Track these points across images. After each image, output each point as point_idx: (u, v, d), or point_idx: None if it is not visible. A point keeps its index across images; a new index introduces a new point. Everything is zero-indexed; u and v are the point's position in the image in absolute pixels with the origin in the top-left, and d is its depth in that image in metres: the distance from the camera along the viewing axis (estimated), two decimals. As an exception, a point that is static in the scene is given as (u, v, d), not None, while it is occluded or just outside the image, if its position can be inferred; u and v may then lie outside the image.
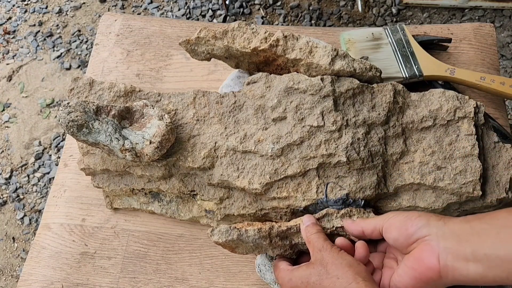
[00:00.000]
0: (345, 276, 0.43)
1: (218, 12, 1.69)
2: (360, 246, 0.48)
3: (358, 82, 0.56)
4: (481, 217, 0.42)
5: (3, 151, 1.51)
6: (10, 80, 1.63)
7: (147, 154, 0.53)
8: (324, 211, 0.52)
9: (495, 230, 0.39)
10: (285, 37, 0.58)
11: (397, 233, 0.45)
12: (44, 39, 1.70)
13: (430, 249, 0.41)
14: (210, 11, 1.70)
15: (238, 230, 0.49)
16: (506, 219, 0.39)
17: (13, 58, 1.67)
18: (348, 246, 0.48)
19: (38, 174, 1.46)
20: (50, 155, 1.49)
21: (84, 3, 1.77)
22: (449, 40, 0.72)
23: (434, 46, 0.73)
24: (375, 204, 0.55)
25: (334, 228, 0.52)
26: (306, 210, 0.54)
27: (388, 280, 0.46)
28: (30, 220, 1.40)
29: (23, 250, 1.36)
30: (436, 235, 0.42)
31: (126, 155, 0.54)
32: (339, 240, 0.49)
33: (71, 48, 1.67)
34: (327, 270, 0.44)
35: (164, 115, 0.55)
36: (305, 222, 0.50)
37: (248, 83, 0.59)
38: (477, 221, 0.41)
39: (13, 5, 1.78)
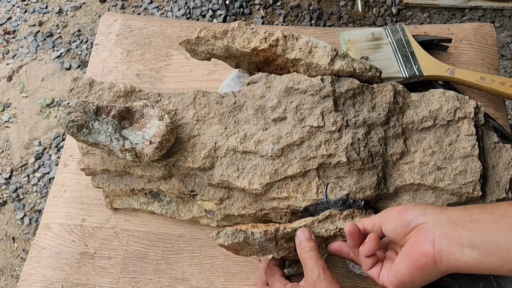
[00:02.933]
0: None
1: (218, 12, 1.69)
2: (372, 238, 0.47)
3: (358, 82, 0.56)
4: (481, 206, 0.41)
5: (3, 151, 1.51)
6: (10, 80, 1.63)
7: (147, 155, 0.53)
8: (327, 212, 0.52)
9: (494, 218, 0.39)
10: (285, 37, 0.58)
11: (394, 223, 0.45)
12: (44, 39, 1.70)
13: (426, 235, 0.41)
14: (210, 11, 1.70)
15: (244, 233, 0.49)
16: (506, 210, 0.39)
17: (13, 58, 1.67)
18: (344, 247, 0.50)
19: (38, 174, 1.46)
20: (50, 155, 1.49)
21: (84, 3, 1.77)
22: (449, 40, 0.72)
23: (434, 46, 0.73)
24: (375, 205, 0.55)
25: (337, 230, 0.52)
26: (306, 211, 0.54)
27: (388, 270, 0.46)
28: (30, 220, 1.40)
29: (23, 250, 1.36)
30: (432, 222, 0.41)
31: (126, 155, 0.54)
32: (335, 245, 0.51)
33: (71, 48, 1.67)
34: None
35: (164, 115, 0.55)
36: (299, 237, 0.50)
37: (248, 83, 0.59)
38: (477, 209, 0.41)
39: (13, 5, 1.78)
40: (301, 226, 0.51)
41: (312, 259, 0.47)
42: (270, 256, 0.59)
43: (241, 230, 0.49)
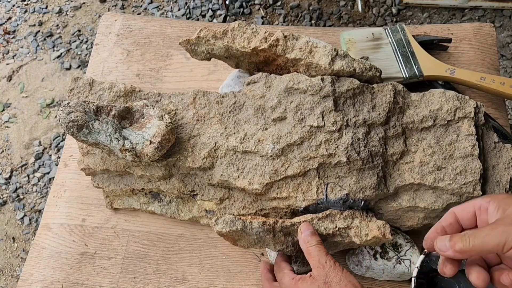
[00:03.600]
0: None
1: (218, 12, 1.69)
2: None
3: (358, 82, 0.56)
4: None
5: (3, 151, 1.51)
6: (10, 80, 1.63)
7: (147, 154, 0.53)
8: (328, 211, 0.52)
9: None
10: (285, 37, 0.58)
11: None
12: (44, 39, 1.70)
13: None
14: (210, 11, 1.70)
15: (242, 221, 0.49)
16: None
17: (13, 58, 1.67)
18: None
19: (38, 174, 1.46)
20: (50, 155, 1.49)
21: (84, 3, 1.77)
22: (449, 40, 0.72)
23: (434, 46, 0.73)
24: (375, 205, 0.55)
25: (336, 229, 0.52)
26: (306, 210, 0.54)
27: None
28: (30, 220, 1.40)
29: (23, 250, 1.36)
30: None
31: (126, 155, 0.54)
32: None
33: (71, 48, 1.67)
34: None
35: (164, 115, 0.55)
36: (303, 231, 0.50)
37: (248, 83, 0.59)
38: None
39: (13, 5, 1.78)
40: (300, 222, 0.51)
41: (320, 251, 0.48)
42: (271, 256, 0.59)
43: (240, 218, 0.49)
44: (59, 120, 0.51)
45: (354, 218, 0.53)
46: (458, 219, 0.41)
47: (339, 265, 0.46)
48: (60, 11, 1.75)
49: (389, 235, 0.51)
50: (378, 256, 0.55)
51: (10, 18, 1.76)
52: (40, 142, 1.51)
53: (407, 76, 0.66)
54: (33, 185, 1.45)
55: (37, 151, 1.49)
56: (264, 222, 0.50)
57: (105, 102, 0.60)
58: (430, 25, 0.77)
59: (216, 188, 0.57)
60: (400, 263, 0.55)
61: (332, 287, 0.45)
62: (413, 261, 0.55)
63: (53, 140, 1.51)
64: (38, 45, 1.68)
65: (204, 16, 1.70)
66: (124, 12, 1.72)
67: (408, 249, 0.56)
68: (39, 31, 1.72)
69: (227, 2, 1.68)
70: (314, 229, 0.50)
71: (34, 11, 1.76)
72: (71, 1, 1.77)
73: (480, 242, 0.37)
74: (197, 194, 0.58)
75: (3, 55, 1.68)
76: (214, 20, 1.68)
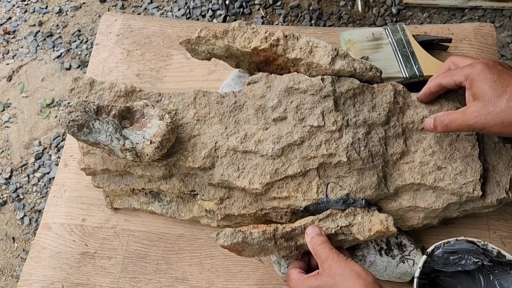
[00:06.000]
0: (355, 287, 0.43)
1: (218, 12, 1.69)
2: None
3: (359, 82, 0.56)
4: None
5: (3, 151, 1.51)
6: (10, 80, 1.63)
7: (147, 154, 0.53)
8: (328, 211, 0.52)
9: None
10: (286, 36, 0.58)
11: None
12: (44, 39, 1.70)
13: None
14: (210, 11, 1.70)
15: (243, 233, 0.49)
16: None
17: (13, 58, 1.67)
18: None
19: (38, 174, 1.46)
20: (50, 155, 1.49)
21: (84, 3, 1.77)
22: (449, 40, 0.72)
23: (434, 46, 0.73)
24: (375, 204, 0.55)
25: (338, 228, 0.52)
26: (306, 210, 0.54)
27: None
28: (30, 220, 1.40)
29: (23, 250, 1.36)
30: None
31: (126, 155, 0.54)
32: None
33: (71, 48, 1.67)
34: (335, 281, 0.44)
35: (164, 115, 0.55)
36: (309, 234, 0.50)
37: (249, 83, 0.59)
38: None
39: (13, 5, 1.78)
40: (301, 225, 0.51)
41: (325, 248, 0.48)
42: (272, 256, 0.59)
43: (240, 230, 0.50)
44: (59, 120, 0.51)
45: (356, 215, 0.53)
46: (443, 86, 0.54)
47: (342, 256, 0.46)
48: (60, 11, 1.75)
49: (392, 228, 0.51)
50: (383, 252, 0.55)
51: (10, 18, 1.76)
52: (40, 142, 1.51)
53: (407, 76, 0.66)
54: (33, 185, 1.45)
55: (37, 151, 1.49)
56: (264, 231, 0.50)
57: (106, 102, 0.60)
58: (430, 25, 0.77)
59: (217, 188, 0.57)
60: (403, 262, 0.55)
61: (336, 278, 0.44)
62: (416, 262, 0.55)
63: (53, 140, 1.51)
64: (38, 45, 1.68)
65: (204, 16, 1.70)
66: (124, 12, 1.72)
67: (412, 250, 0.56)
68: (39, 31, 1.72)
69: (227, 2, 1.68)
70: (321, 229, 0.51)
71: (34, 11, 1.76)
72: (71, 1, 1.77)
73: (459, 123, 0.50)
74: (197, 194, 0.59)
75: (3, 55, 1.68)
76: (214, 20, 1.68)
